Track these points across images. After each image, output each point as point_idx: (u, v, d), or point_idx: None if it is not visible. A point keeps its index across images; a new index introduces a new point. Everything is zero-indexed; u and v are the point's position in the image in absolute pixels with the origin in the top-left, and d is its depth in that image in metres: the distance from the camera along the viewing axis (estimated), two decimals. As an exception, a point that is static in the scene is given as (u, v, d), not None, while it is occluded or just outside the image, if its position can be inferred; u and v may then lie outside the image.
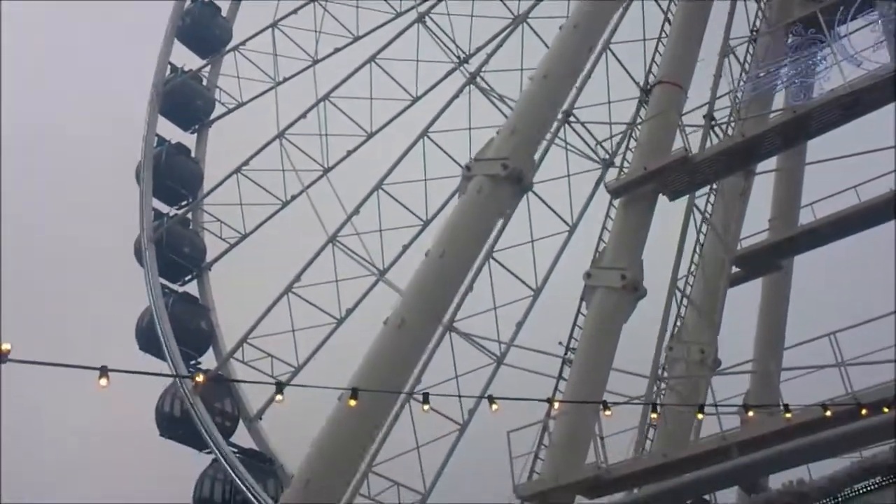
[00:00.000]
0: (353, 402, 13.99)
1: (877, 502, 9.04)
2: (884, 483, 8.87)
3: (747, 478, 13.93)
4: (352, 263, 34.40)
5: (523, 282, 30.61)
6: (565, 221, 31.60)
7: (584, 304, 26.34)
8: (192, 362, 37.42)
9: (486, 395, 11.80)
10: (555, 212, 31.59)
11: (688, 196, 26.62)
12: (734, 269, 28.53)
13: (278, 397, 11.69)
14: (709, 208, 29.23)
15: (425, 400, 11.26)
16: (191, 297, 39.09)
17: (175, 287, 38.90)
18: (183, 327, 36.62)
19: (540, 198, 30.92)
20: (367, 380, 18.64)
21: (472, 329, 29.36)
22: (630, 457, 22.82)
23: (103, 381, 10.06)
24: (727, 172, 26.80)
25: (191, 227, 40.57)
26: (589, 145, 31.79)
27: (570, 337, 27.61)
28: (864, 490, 8.93)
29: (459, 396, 23.41)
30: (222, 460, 32.51)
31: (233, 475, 31.99)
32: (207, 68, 42.72)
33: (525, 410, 25.18)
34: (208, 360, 38.43)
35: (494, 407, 12.25)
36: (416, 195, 34.21)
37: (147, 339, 37.50)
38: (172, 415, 35.92)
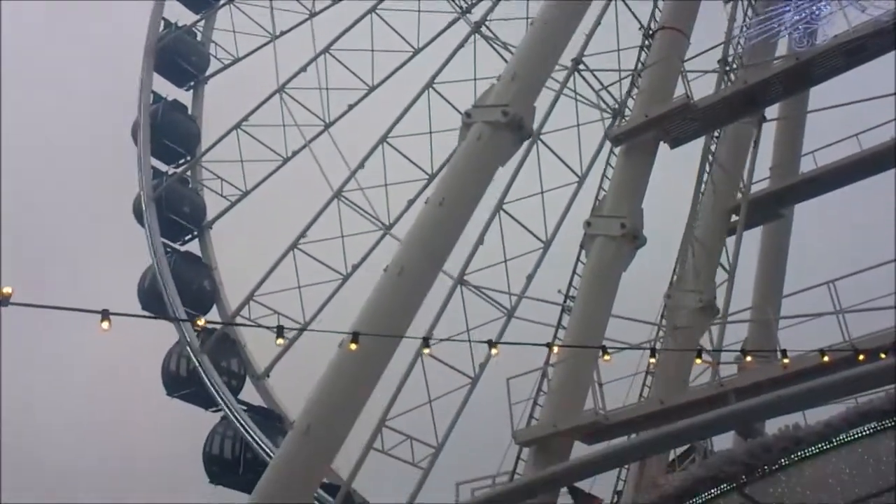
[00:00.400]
0: (353, 346, 14.06)
1: (873, 447, 9.16)
2: (879, 428, 8.95)
3: (744, 423, 14.10)
4: (356, 219, 34.23)
5: (533, 234, 30.51)
6: (575, 172, 31.40)
7: (583, 252, 26.40)
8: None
9: (486, 341, 11.82)
10: (564, 162, 31.37)
11: (704, 139, 26.43)
12: (734, 218, 28.49)
13: (279, 340, 11.72)
14: (710, 156, 29.13)
15: (425, 344, 11.28)
16: (193, 257, 38.94)
17: (176, 247, 38.77)
18: (185, 287, 36.45)
19: (549, 148, 30.73)
20: (367, 326, 18.68)
21: (483, 282, 29.36)
22: (628, 403, 23.06)
23: (105, 325, 10.11)
24: (729, 119, 26.64)
25: (190, 185, 40.32)
26: (599, 95, 31.52)
27: (570, 285, 27.72)
28: (860, 435, 9.01)
29: (467, 341, 23.46)
30: (232, 416, 32.64)
31: (243, 431, 32.15)
32: (202, 23, 42.02)
33: (525, 359, 25.40)
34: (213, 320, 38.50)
35: (494, 351, 12.31)
36: (422, 149, 33.95)
37: (149, 300, 37.44)
38: (178, 374, 35.97)
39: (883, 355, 14.16)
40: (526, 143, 27.44)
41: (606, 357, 14.52)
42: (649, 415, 20.70)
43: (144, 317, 35.53)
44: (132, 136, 39.73)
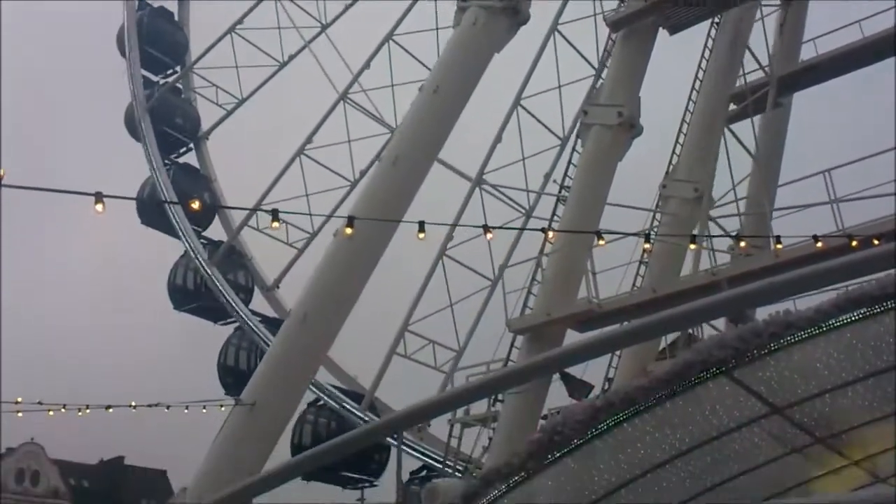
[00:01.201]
0: (349, 230, 14.02)
1: (861, 332, 9.24)
2: (869, 314, 9.00)
3: (735, 310, 14.26)
4: (362, 123, 33.32)
5: (550, 130, 30.06)
6: (592, 65, 30.76)
7: (579, 141, 26.17)
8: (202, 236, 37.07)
9: (481, 225, 11.76)
10: (581, 54, 30.68)
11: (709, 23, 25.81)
12: (732, 107, 28.14)
13: (274, 224, 11.64)
14: (710, 43, 28.56)
15: (421, 228, 11.25)
16: (191, 168, 38.31)
17: (172, 160, 38.02)
18: (185, 200, 36.03)
19: (568, 40, 30.00)
20: (363, 213, 18.60)
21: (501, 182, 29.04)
22: (621, 292, 23.28)
23: (99, 207, 10.10)
24: (727, 5, 26.00)
25: (182, 96, 39.32)
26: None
27: (565, 175, 27.58)
28: (850, 320, 9.06)
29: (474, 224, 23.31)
30: (247, 327, 32.69)
31: (260, 341, 32.20)
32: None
33: (521, 252, 25.50)
34: (215, 232, 38.18)
35: (489, 236, 12.26)
36: (429, 48, 32.91)
37: (149, 212, 37.07)
38: (185, 287, 35.85)
39: (876, 241, 14.20)
40: (542, 36, 26.85)
41: (601, 241, 14.49)
42: (641, 303, 20.92)
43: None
44: (117, 45, 38.59)
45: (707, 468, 11.31)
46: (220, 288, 34.14)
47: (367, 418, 29.47)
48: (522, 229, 24.15)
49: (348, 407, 30.74)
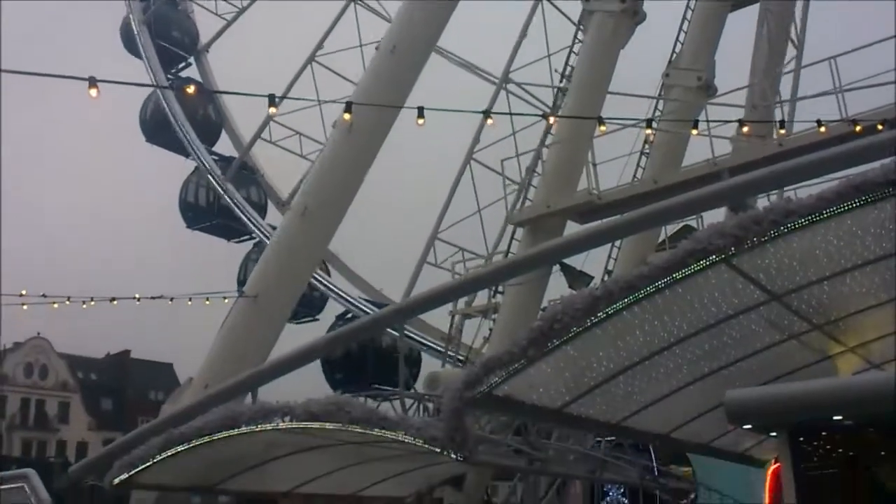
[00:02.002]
0: (347, 117, 13.84)
1: (861, 219, 9.22)
2: (870, 200, 8.95)
3: (736, 199, 14.20)
4: (374, 26, 32.04)
5: (574, 23, 29.20)
6: None
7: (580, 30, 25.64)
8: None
9: (482, 111, 11.57)
10: None
11: None
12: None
13: (271, 109, 11.50)
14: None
15: (420, 115, 11.10)
16: (194, 83, 37.20)
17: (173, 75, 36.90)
18: (189, 117, 35.24)
19: None
20: (362, 100, 18.30)
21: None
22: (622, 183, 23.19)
23: (93, 92, 9.95)
24: None
25: (179, 8, 37.93)
26: None
27: (566, 64, 27.11)
28: (850, 207, 9.01)
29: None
30: (266, 241, 32.42)
31: None
32: None
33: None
34: (224, 147, 37.28)
35: (490, 121, 12.10)
36: None
37: (153, 128, 36.25)
38: (198, 205, 35.30)
39: (880, 126, 14.06)
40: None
41: (602, 128, 14.31)
42: (642, 194, 20.83)
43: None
44: None
45: (704, 355, 11.48)
46: (237, 204, 33.67)
47: (423, 340, 29.63)
48: (523, 115, 23.73)
49: (424, 339, 30.76)
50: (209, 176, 34.56)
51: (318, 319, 32.46)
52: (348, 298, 31.79)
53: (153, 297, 15.42)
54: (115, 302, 15.12)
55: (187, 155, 35.66)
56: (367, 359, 29.53)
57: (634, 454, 17.47)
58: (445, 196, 27.79)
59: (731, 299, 10.12)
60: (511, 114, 21.22)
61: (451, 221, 27.36)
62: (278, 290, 16.15)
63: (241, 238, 34.49)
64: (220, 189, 33.88)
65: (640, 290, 9.19)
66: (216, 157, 35.81)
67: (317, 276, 32.79)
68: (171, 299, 15.85)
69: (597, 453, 15.07)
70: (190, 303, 16.53)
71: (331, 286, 32.53)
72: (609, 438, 15.15)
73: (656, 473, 17.86)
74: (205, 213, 34.93)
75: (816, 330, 11.54)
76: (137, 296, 15.38)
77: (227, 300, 15.90)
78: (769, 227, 8.96)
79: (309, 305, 31.78)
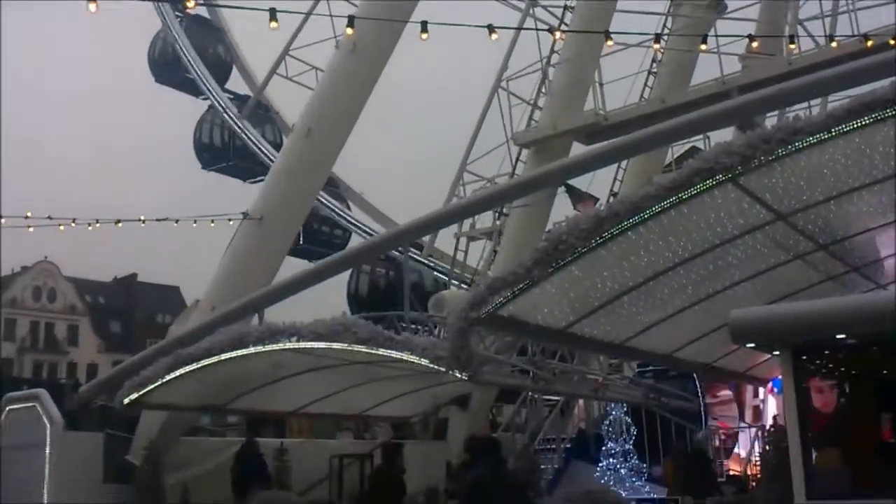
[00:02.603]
0: (350, 30, 13.60)
1: (871, 137, 9.11)
2: (879, 118, 8.83)
3: (744, 118, 13.96)
4: None
5: None
6: None
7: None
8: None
9: (486, 25, 11.32)
10: None
11: None
12: None
13: (273, 24, 11.29)
14: None
15: (423, 29, 10.91)
16: (202, 20, 36.20)
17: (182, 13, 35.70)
18: (200, 54, 34.10)
19: None
20: (363, 23, 17.96)
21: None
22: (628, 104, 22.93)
23: (92, 7, 9.92)
24: None
25: None
26: None
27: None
28: (859, 125, 8.89)
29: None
30: None
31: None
32: None
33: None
34: (236, 84, 36.36)
35: (494, 36, 11.87)
36: None
37: (162, 68, 35.41)
38: (213, 145, 34.61)
39: (893, 41, 13.80)
40: None
41: (609, 42, 14.04)
42: (649, 115, 20.56)
43: (150, 57, 34.01)
44: None
45: (709, 275, 11.50)
46: (256, 143, 33.04)
47: (429, 263, 29.71)
48: (527, 29, 23.24)
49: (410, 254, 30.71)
50: (225, 115, 33.80)
51: None
52: (371, 233, 31.64)
53: (158, 220, 15.40)
54: (120, 224, 15.10)
55: (199, 94, 34.99)
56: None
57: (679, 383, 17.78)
58: (458, 127, 27.26)
59: (736, 219, 10.09)
60: (517, 28, 20.76)
61: (471, 152, 26.92)
62: (283, 212, 16.11)
63: (257, 179, 33.78)
64: (236, 127, 33.20)
65: (645, 211, 9.16)
66: (230, 96, 35.10)
67: (338, 211, 32.66)
68: (177, 221, 15.82)
69: (597, 374, 15.25)
70: (195, 225, 16.50)
71: (353, 221, 32.31)
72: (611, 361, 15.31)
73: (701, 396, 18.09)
74: (220, 153, 34.21)
75: (822, 250, 11.54)
76: (142, 217, 15.36)
77: (231, 222, 15.86)
78: (777, 146, 8.86)
79: (328, 245, 31.63)
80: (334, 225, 32.22)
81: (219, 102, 33.98)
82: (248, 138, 32.97)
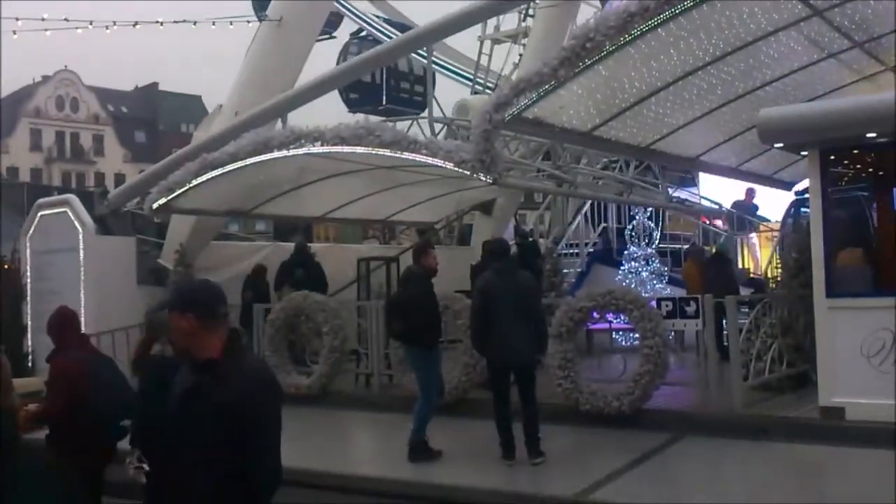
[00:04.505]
0: None
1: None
2: None
3: None
4: None
5: None
6: None
7: None
8: None
9: None
10: None
11: None
12: None
13: None
14: None
15: None
16: None
17: None
18: None
19: None
20: None
21: None
22: None
23: None
24: None
25: None
26: None
27: None
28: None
29: None
30: None
31: None
32: None
33: None
34: None
35: None
36: None
37: None
38: None
39: None
40: None
41: None
42: None
43: None
44: None
45: (740, 75, 11.25)
46: None
47: (452, 67, 28.95)
48: None
49: (453, 67, 29.75)
50: None
51: (335, 37, 31.48)
52: (364, 17, 30.64)
53: (176, 21, 15.03)
54: (137, 26, 14.77)
55: None
56: (380, 79, 29.33)
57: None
58: None
59: (771, 15, 9.74)
60: None
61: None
62: (303, 13, 15.64)
63: None
64: None
65: (677, 5, 8.81)
66: None
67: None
68: (195, 23, 15.42)
69: (625, 177, 15.20)
70: (214, 27, 16.09)
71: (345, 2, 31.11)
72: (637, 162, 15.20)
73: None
74: None
75: (857, 48, 11.18)
76: (160, 20, 14.98)
77: (250, 24, 15.42)
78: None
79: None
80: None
81: None
82: None
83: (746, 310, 10.71)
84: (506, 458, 8.49)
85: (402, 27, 28.92)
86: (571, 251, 19.44)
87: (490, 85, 25.76)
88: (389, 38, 27.57)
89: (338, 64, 30.79)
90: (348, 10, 30.14)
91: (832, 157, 9.27)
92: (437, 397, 9.15)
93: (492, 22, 25.38)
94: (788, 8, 9.62)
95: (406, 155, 11.05)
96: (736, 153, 13.99)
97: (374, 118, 16.31)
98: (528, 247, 15.17)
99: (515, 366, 8.53)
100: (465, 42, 27.97)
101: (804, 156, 9.36)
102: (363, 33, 30.58)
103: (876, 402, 8.51)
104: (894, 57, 11.72)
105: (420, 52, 20.70)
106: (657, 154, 13.12)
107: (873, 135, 8.83)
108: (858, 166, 10.70)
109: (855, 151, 9.72)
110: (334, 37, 30.99)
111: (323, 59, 31.30)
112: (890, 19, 10.56)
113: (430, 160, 10.90)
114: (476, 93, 24.91)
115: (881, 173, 11.06)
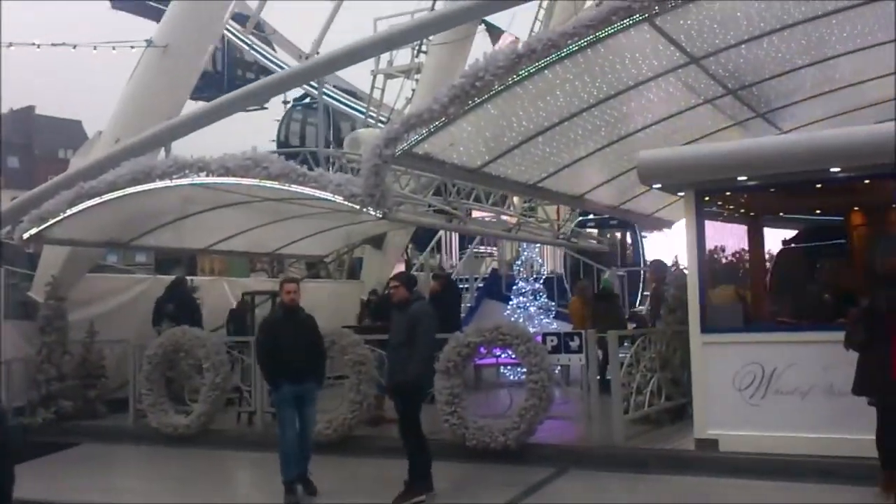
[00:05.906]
0: None
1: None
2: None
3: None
4: None
5: None
6: None
7: None
8: None
9: None
10: None
11: None
12: None
13: None
14: None
15: None
16: None
17: None
18: None
19: None
20: None
21: None
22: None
23: None
24: None
25: None
26: None
27: None
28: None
29: None
30: None
31: None
32: None
33: None
34: None
35: None
36: None
37: None
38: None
39: None
40: None
41: None
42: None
43: None
44: None
45: (623, 117, 11.60)
46: None
47: (345, 101, 29.01)
48: None
49: (347, 101, 29.63)
50: None
51: (266, 108, 30.99)
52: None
53: (54, 45, 14.45)
54: (11, 47, 14.13)
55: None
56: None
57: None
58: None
59: (651, 61, 10.11)
60: None
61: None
62: (190, 40, 15.31)
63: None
64: None
65: (563, 49, 9.06)
66: None
67: (261, 51, 31.04)
68: (75, 46, 14.86)
69: (512, 214, 15.43)
70: (95, 51, 15.54)
71: (280, 64, 30.53)
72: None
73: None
74: None
75: (730, 95, 11.72)
76: (37, 42, 14.37)
77: (134, 50, 14.98)
78: (697, -13, 8.82)
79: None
80: (261, 71, 30.71)
81: None
82: None
83: (628, 344, 11.00)
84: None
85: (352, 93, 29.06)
86: (463, 286, 19.61)
87: (382, 119, 25.86)
88: (338, 102, 27.81)
89: (278, 132, 30.68)
90: (280, 67, 29.38)
91: (706, 198, 9.69)
92: (285, 435, 8.91)
93: (385, 57, 25.49)
94: (667, 55, 10.01)
95: (294, 188, 10.93)
96: (619, 192, 14.38)
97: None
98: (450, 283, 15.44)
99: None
100: (358, 75, 28.09)
101: (681, 196, 9.75)
102: (307, 98, 29.97)
103: (747, 434, 8.87)
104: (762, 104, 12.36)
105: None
106: (544, 191, 13.37)
107: (744, 178, 9.29)
108: (731, 207, 11.19)
109: (727, 193, 10.18)
110: (265, 108, 30.58)
111: (252, 128, 30.98)
112: (760, 69, 11.14)
113: (319, 193, 10.82)
114: (368, 125, 24.95)
115: (752, 214, 11.60)
